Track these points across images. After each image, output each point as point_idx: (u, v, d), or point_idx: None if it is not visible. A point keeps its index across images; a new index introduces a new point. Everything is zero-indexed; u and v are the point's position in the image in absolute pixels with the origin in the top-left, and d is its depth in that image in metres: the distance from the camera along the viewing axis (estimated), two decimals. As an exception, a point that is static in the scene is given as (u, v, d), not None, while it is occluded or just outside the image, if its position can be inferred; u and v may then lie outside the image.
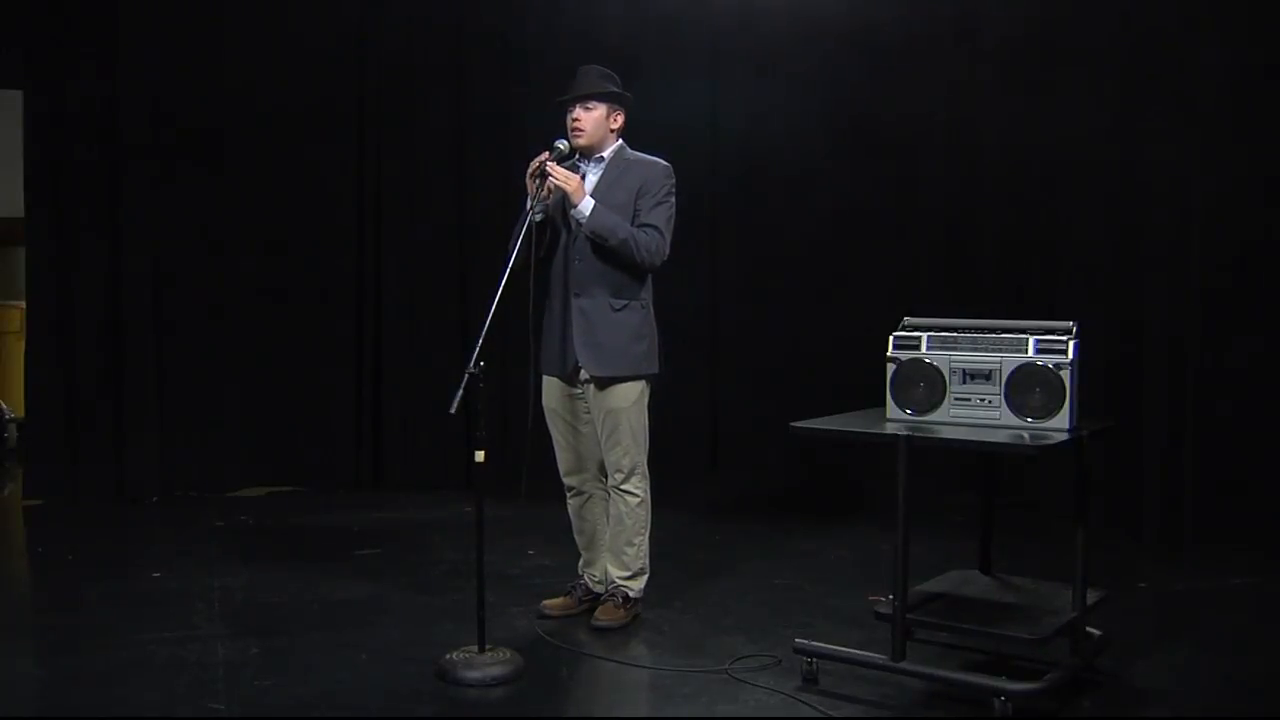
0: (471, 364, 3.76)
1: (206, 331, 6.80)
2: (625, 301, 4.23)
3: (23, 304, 7.31)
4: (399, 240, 7.02)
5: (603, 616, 4.31)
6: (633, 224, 4.18)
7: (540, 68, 6.95)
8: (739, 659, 3.95)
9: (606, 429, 4.26)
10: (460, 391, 3.69)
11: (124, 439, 6.64)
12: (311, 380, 6.95)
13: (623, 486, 4.30)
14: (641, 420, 4.29)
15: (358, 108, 6.98)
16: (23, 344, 7.14)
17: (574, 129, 4.22)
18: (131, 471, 6.64)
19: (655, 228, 4.20)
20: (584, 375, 4.26)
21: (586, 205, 4.13)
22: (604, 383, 4.22)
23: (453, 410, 3.67)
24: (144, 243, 6.66)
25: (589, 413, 4.32)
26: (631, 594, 4.36)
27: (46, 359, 6.59)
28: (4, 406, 8.44)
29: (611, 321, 4.20)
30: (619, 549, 4.35)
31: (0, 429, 8.39)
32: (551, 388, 4.35)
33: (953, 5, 6.71)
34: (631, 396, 4.24)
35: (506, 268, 4.00)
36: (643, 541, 4.36)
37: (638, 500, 4.31)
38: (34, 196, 6.57)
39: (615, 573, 4.36)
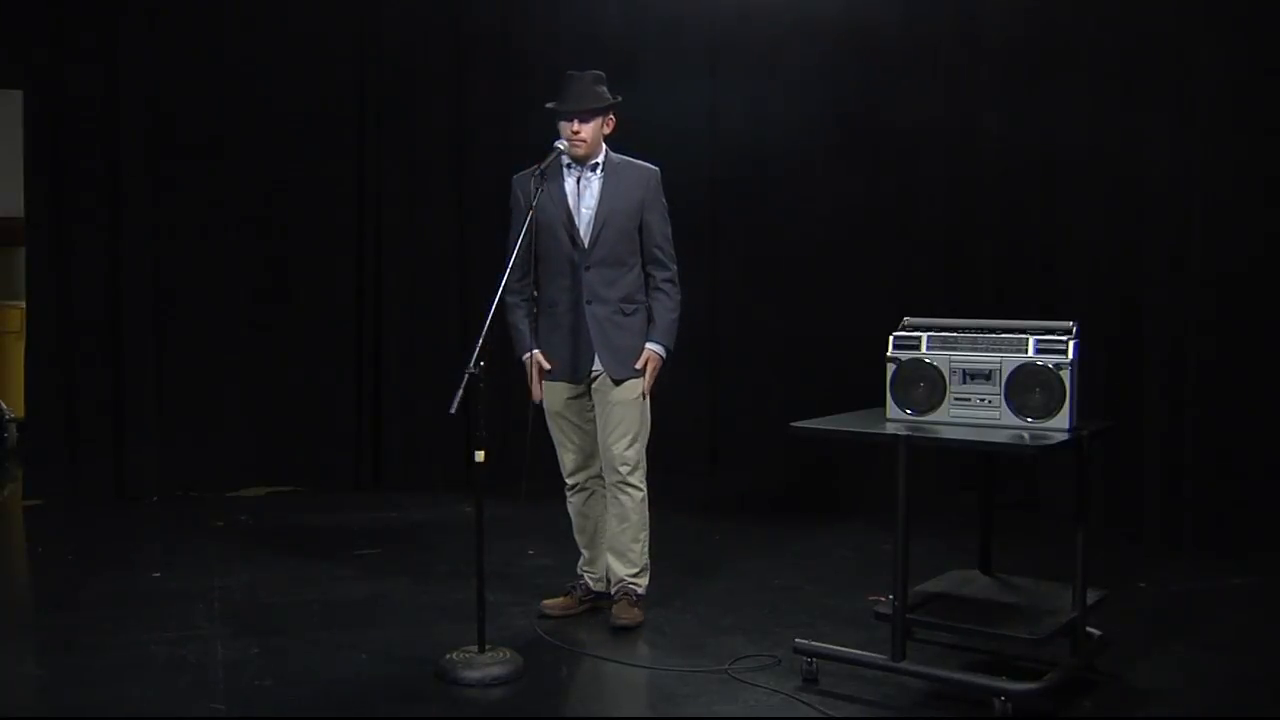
0: (471, 364, 3.77)
1: (206, 331, 6.79)
2: (635, 306, 4.33)
3: (23, 304, 7.31)
4: (399, 240, 7.02)
5: (624, 617, 4.32)
6: (640, 234, 4.31)
7: (540, 68, 6.95)
8: (739, 659, 3.95)
9: (614, 421, 4.29)
10: (460, 391, 3.70)
11: (124, 439, 6.63)
12: (311, 380, 6.94)
13: (629, 480, 4.33)
14: (648, 414, 4.36)
15: (358, 108, 6.97)
16: (23, 344, 7.14)
17: (574, 142, 4.24)
18: (131, 471, 6.64)
19: (664, 254, 4.36)
20: (594, 374, 4.29)
21: (662, 351, 4.33)
22: (619, 381, 4.29)
23: (453, 410, 3.68)
24: (144, 243, 6.65)
25: (591, 411, 4.35)
26: (640, 591, 4.39)
27: (46, 359, 6.58)
28: (4, 406, 8.43)
29: (623, 325, 4.29)
30: (624, 546, 4.37)
31: (0, 429, 8.38)
32: (556, 391, 4.36)
33: (953, 5, 6.71)
34: (639, 389, 4.32)
35: (507, 268, 4.01)
36: (646, 537, 4.40)
37: (642, 495, 4.36)
38: (34, 196, 6.57)
39: (622, 570, 4.38)
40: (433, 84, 7.03)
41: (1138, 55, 5.79)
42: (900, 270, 6.94)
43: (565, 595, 4.51)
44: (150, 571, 5.09)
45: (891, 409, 3.80)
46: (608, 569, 4.44)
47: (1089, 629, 3.80)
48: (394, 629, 4.33)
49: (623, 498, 4.35)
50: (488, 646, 3.83)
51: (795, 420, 3.79)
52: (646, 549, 4.40)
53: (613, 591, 4.42)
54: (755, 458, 7.18)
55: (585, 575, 4.51)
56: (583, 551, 4.52)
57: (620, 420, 4.28)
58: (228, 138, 6.79)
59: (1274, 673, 3.94)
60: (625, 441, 4.29)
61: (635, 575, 4.38)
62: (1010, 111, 6.44)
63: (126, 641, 4.13)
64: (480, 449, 3.85)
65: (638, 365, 4.29)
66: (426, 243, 7.05)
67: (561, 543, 4.74)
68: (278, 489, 6.89)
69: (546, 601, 4.49)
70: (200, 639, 4.16)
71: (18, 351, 7.89)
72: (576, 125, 4.22)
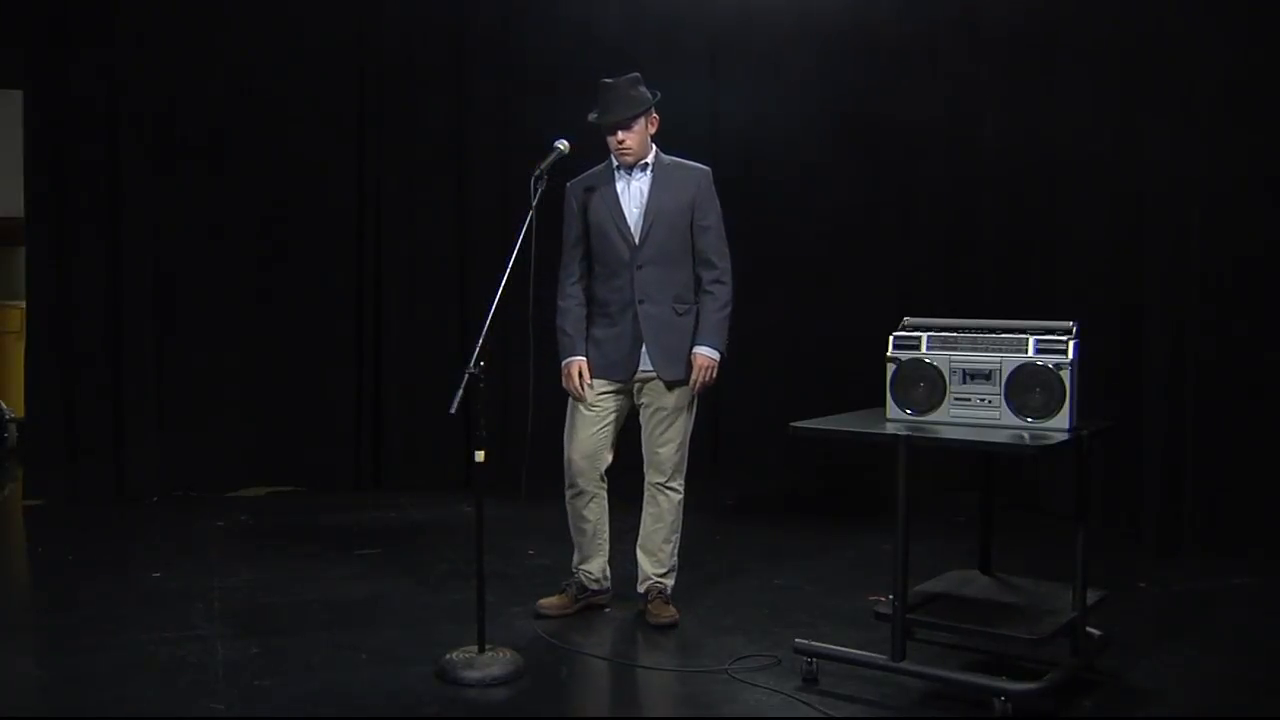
0: (471, 364, 3.77)
1: (206, 331, 6.80)
2: (687, 306, 4.35)
3: (23, 304, 7.31)
4: (399, 240, 7.02)
5: (663, 616, 4.35)
6: (691, 235, 4.33)
7: (540, 68, 6.96)
8: (739, 659, 3.95)
9: (663, 425, 4.33)
10: (460, 391, 3.70)
11: (124, 439, 6.64)
12: (311, 380, 6.94)
13: (669, 483, 4.38)
14: (692, 420, 4.40)
15: (358, 108, 6.98)
16: (23, 344, 7.14)
17: (621, 152, 4.26)
18: (131, 471, 6.64)
19: (715, 253, 4.37)
20: (644, 374, 4.31)
21: (711, 352, 4.31)
22: (671, 384, 4.31)
23: (453, 410, 3.69)
24: (144, 242, 6.66)
25: (617, 411, 4.37)
26: (669, 589, 4.43)
27: (46, 359, 6.58)
28: (4, 406, 8.44)
29: (677, 326, 4.32)
30: (656, 546, 4.41)
31: (0, 429, 8.39)
32: (595, 387, 4.35)
33: (953, 5, 6.71)
34: (690, 395, 4.35)
35: (507, 269, 4.01)
36: (678, 539, 4.44)
37: (680, 497, 4.41)
38: (34, 196, 6.57)
39: (651, 569, 4.42)
40: (433, 84, 7.03)
41: (1138, 55, 5.79)
42: (900, 270, 6.94)
43: (560, 594, 4.51)
44: (150, 571, 5.09)
45: (891, 409, 3.80)
46: (637, 566, 4.46)
47: (1089, 629, 3.80)
48: (394, 629, 4.32)
49: (661, 498, 4.39)
50: (488, 646, 3.83)
51: (795, 420, 3.79)
52: (677, 550, 4.45)
53: (641, 590, 4.45)
54: (755, 458, 7.18)
55: (579, 573, 4.51)
56: (577, 551, 4.52)
57: (670, 425, 4.33)
58: (227, 138, 6.79)
59: (1274, 673, 3.94)
60: (672, 446, 4.35)
61: (664, 574, 4.43)
62: (1010, 111, 6.44)
63: (126, 641, 4.13)
64: (480, 449, 3.85)
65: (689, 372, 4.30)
66: (426, 243, 7.05)
67: (562, 543, 4.74)
68: (278, 489, 6.89)
69: (542, 601, 4.50)
70: (200, 639, 4.16)
71: (18, 351, 7.89)
72: (620, 135, 4.24)
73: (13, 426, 8.31)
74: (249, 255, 6.86)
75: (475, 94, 7.08)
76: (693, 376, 4.29)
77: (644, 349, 4.29)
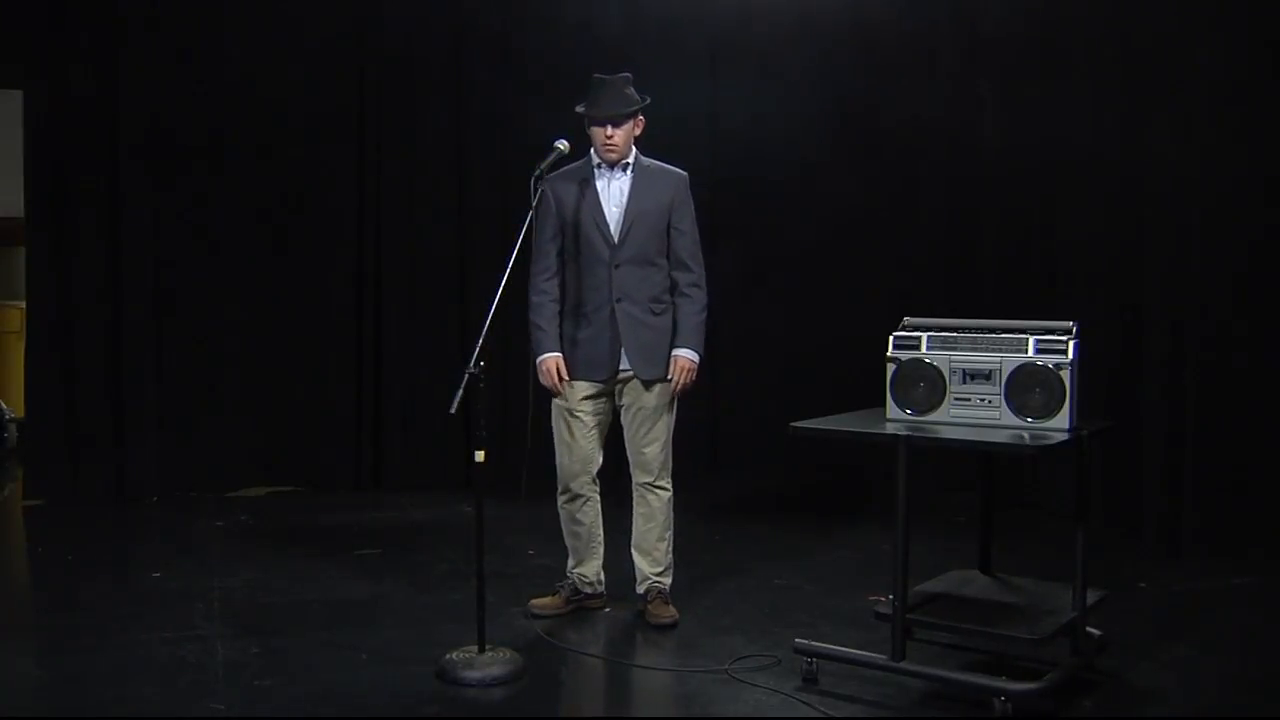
0: (471, 364, 3.77)
1: (206, 331, 6.80)
2: (663, 306, 4.35)
3: (23, 304, 7.31)
4: (399, 240, 7.02)
5: (664, 616, 4.35)
6: (668, 236, 4.33)
7: (540, 68, 6.96)
8: (739, 659, 3.95)
9: (646, 425, 4.34)
10: (460, 391, 3.70)
11: (124, 439, 6.64)
12: (311, 380, 6.95)
13: (656, 483, 4.39)
14: (674, 418, 4.40)
15: (358, 108, 6.98)
16: (23, 344, 7.14)
17: (608, 147, 4.27)
18: (131, 471, 6.64)
19: (691, 257, 4.36)
20: (624, 374, 4.31)
21: (691, 354, 4.32)
22: (650, 383, 4.32)
23: (453, 410, 3.69)
24: (144, 242, 6.66)
25: (604, 414, 4.37)
26: (668, 587, 4.44)
27: (46, 359, 6.58)
28: (4, 406, 8.44)
29: (653, 325, 4.32)
30: (650, 545, 4.42)
31: (0, 429, 8.38)
32: (574, 389, 4.35)
33: (952, 5, 6.71)
34: (670, 394, 4.35)
35: (507, 269, 4.01)
36: (671, 536, 4.45)
37: (669, 495, 4.42)
38: (34, 196, 6.57)
39: (648, 569, 4.42)
40: (433, 84, 7.03)
41: (1138, 55, 5.78)
42: (900, 270, 6.94)
43: (553, 595, 4.52)
44: (150, 571, 5.09)
45: (891, 409, 3.80)
46: (634, 567, 4.46)
47: (1089, 629, 3.80)
48: (394, 629, 4.33)
49: (650, 498, 4.40)
50: (488, 646, 3.83)
51: (795, 420, 3.79)
52: (671, 547, 4.46)
53: (641, 590, 4.44)
54: (755, 458, 7.18)
55: (574, 577, 4.51)
56: (572, 555, 4.53)
57: (653, 424, 4.34)
58: (227, 138, 6.79)
59: (1274, 673, 3.94)
60: (657, 446, 4.36)
61: (661, 574, 4.43)
62: (1010, 111, 6.44)
63: (126, 641, 4.13)
64: (480, 449, 3.85)
65: (669, 374, 4.31)
66: (426, 243, 7.05)
67: (562, 543, 4.74)
68: (278, 489, 6.89)
69: (535, 600, 4.50)
70: (200, 639, 4.16)
71: (18, 351, 7.89)
72: (610, 130, 4.24)
73: (13, 426, 8.31)
74: (249, 255, 6.86)
75: (475, 94, 7.08)
76: (673, 379, 4.31)
77: (622, 349, 4.29)
